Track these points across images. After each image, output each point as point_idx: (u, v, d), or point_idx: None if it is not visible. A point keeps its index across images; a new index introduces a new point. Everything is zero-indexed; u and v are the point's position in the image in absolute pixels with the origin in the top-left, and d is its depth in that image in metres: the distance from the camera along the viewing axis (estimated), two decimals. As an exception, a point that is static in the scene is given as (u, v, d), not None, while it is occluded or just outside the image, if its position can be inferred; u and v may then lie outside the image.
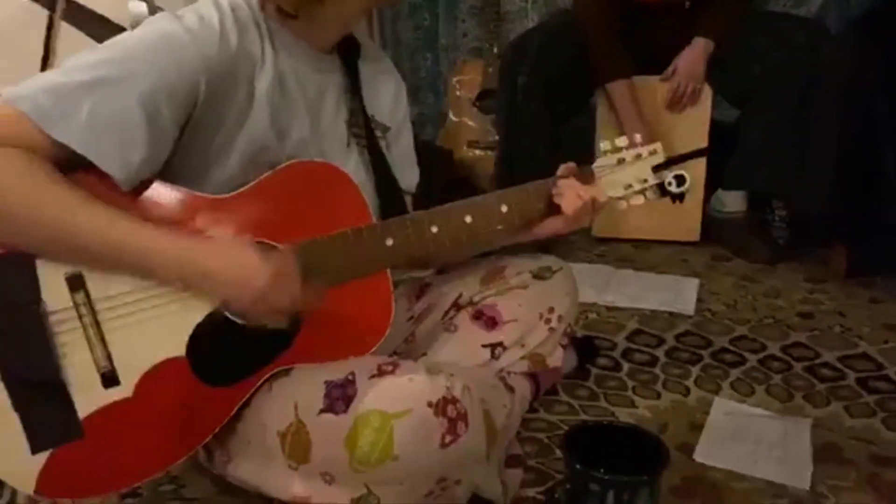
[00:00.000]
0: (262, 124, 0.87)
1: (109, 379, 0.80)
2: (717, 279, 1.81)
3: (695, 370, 1.34)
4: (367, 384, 0.81)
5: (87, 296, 0.79)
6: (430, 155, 2.38)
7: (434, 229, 0.95)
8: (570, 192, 0.97)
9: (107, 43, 0.80)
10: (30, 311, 0.77)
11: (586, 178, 1.01)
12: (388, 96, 1.06)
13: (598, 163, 1.05)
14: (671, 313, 1.59)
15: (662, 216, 2.14)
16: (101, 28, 1.66)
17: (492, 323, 1.09)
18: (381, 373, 0.83)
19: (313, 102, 0.94)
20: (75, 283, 0.79)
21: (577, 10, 2.01)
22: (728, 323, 1.55)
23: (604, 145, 1.06)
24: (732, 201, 2.05)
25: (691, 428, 1.14)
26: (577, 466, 0.82)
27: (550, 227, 1.02)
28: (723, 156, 2.00)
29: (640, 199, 1.07)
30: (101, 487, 0.84)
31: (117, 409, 0.80)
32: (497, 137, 2.27)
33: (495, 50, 2.46)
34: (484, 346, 1.08)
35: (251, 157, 0.87)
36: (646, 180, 1.06)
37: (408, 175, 1.08)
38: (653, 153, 1.07)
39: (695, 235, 2.07)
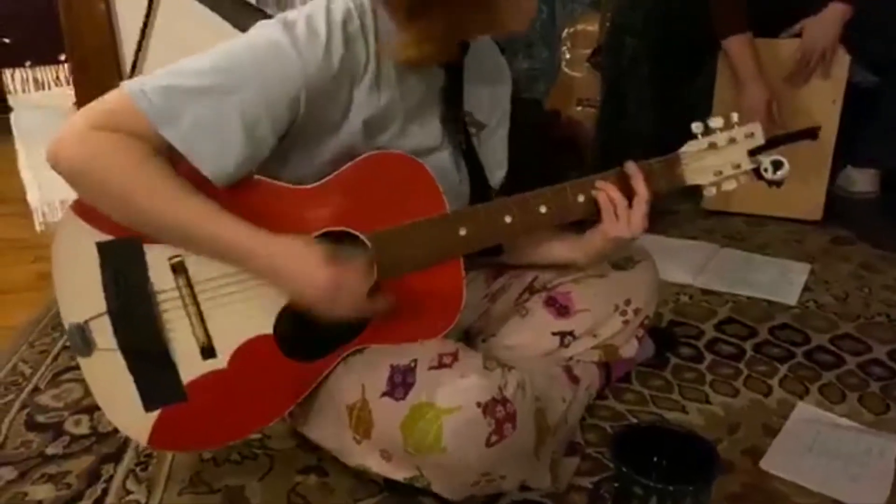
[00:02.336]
0: (356, 128, 0.90)
1: (207, 351, 0.90)
2: (832, 265, 1.69)
3: (783, 369, 1.28)
4: (425, 375, 0.87)
5: (188, 279, 0.89)
6: (535, 116, 2.35)
7: (508, 219, 0.97)
8: (602, 196, 0.97)
9: (219, 48, 0.85)
10: (141, 290, 0.88)
11: (676, 174, 0.99)
12: (490, 93, 1.05)
13: (687, 147, 1.00)
14: (770, 302, 1.52)
15: (782, 191, 1.99)
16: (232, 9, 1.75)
17: (563, 311, 1.10)
18: (440, 365, 0.88)
19: (411, 105, 0.95)
20: (178, 268, 0.89)
21: None
22: (833, 318, 1.45)
23: (695, 127, 1.00)
24: (863, 180, 1.88)
25: (765, 432, 1.10)
26: (623, 469, 0.84)
27: (592, 242, 1.02)
28: (856, 127, 1.83)
29: (732, 185, 1.02)
30: (200, 443, 0.97)
31: (214, 377, 0.90)
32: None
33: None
34: (554, 333, 1.10)
35: (340, 154, 0.91)
36: (739, 165, 1.00)
37: (496, 172, 1.08)
38: (750, 136, 1.00)
39: (816, 214, 1.93)
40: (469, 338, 1.14)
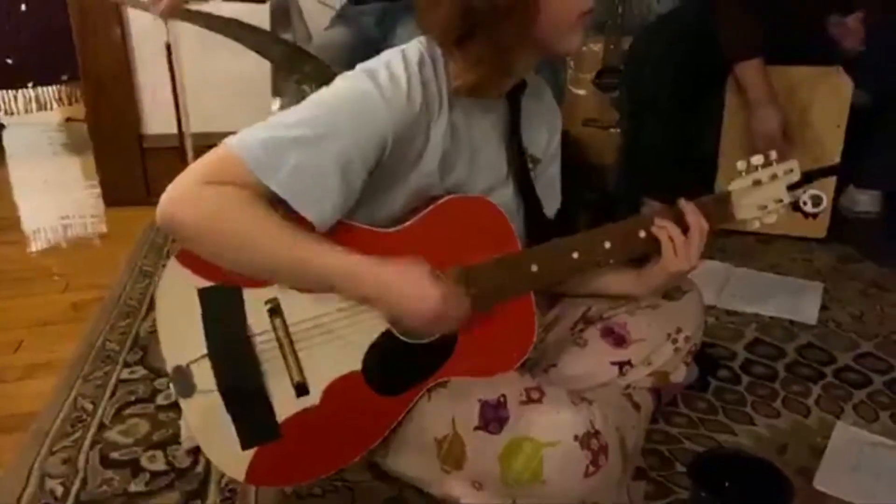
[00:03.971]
0: (432, 167, 0.97)
1: (301, 389, 0.94)
2: (842, 284, 1.78)
3: (816, 389, 1.36)
4: (518, 410, 0.92)
5: (284, 321, 0.93)
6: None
7: (575, 255, 1.03)
8: (662, 234, 1.03)
9: (311, 99, 0.91)
10: (239, 333, 0.92)
11: (727, 212, 1.06)
12: (544, 130, 1.12)
13: (734, 185, 1.08)
14: (792, 322, 1.60)
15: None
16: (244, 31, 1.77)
17: (620, 341, 1.16)
18: (529, 399, 0.93)
19: (478, 142, 1.02)
20: (274, 311, 0.93)
21: None
22: (853, 337, 1.54)
23: (739, 164, 1.07)
24: (866, 200, 1.98)
25: (812, 452, 1.18)
26: (703, 494, 0.90)
27: (652, 276, 1.09)
28: (857, 147, 1.93)
29: (772, 218, 1.10)
30: (294, 479, 1.00)
31: (307, 415, 0.94)
32: (617, 117, 2.28)
33: (620, 22, 2.42)
34: (612, 362, 1.15)
35: (417, 193, 0.98)
36: (781, 200, 1.08)
37: (551, 203, 1.15)
38: (788, 172, 1.08)
39: (821, 232, 2.02)
40: (524, 368, 1.19)
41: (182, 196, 0.86)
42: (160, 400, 1.31)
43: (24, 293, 1.83)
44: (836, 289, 1.76)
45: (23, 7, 2.72)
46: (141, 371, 1.41)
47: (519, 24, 0.91)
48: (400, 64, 0.93)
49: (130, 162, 2.39)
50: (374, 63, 0.94)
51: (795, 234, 2.04)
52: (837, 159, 1.94)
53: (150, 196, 2.39)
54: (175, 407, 1.25)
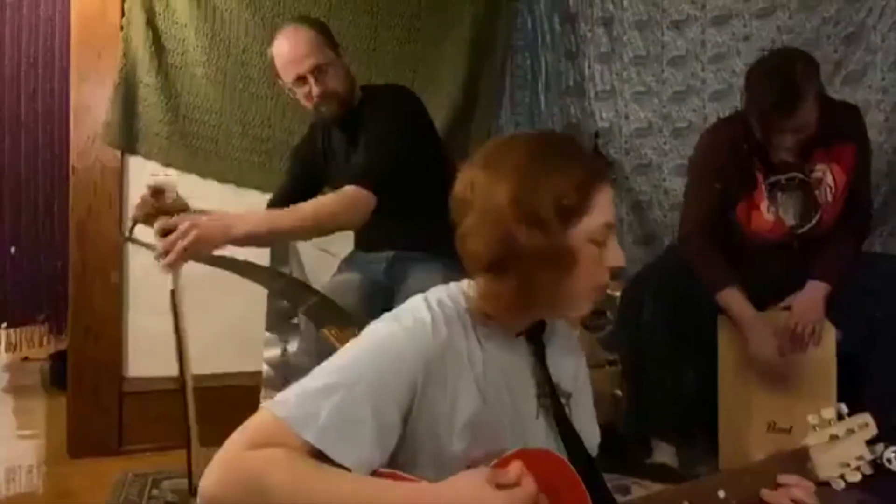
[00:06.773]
0: (475, 407, 0.95)
1: None
2: (873, 532, 1.70)
3: None
4: None
5: None
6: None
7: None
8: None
9: (340, 351, 0.94)
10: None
11: (807, 469, 1.02)
12: (570, 365, 1.12)
13: (810, 440, 1.04)
14: (842, 580, 1.48)
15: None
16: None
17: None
18: None
19: (510, 381, 1.01)
20: None
21: (680, 236, 2.15)
22: None
23: (811, 419, 1.05)
24: (870, 441, 1.98)
25: None
26: None
27: None
28: (850, 388, 1.97)
29: (857, 476, 1.04)
30: None
31: None
32: (605, 355, 2.34)
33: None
34: None
35: (470, 437, 0.95)
36: (861, 456, 1.03)
37: (589, 436, 1.11)
38: (864, 426, 1.05)
39: (833, 477, 1.98)
40: None
41: (224, 464, 0.85)
42: None
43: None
44: (868, 539, 1.67)
45: (12, 250, 2.73)
46: None
47: (551, 275, 0.94)
48: (423, 305, 0.98)
49: (106, 408, 2.24)
50: (399, 309, 0.99)
51: (808, 479, 1.99)
52: (833, 403, 1.96)
53: (121, 446, 2.21)
54: None
